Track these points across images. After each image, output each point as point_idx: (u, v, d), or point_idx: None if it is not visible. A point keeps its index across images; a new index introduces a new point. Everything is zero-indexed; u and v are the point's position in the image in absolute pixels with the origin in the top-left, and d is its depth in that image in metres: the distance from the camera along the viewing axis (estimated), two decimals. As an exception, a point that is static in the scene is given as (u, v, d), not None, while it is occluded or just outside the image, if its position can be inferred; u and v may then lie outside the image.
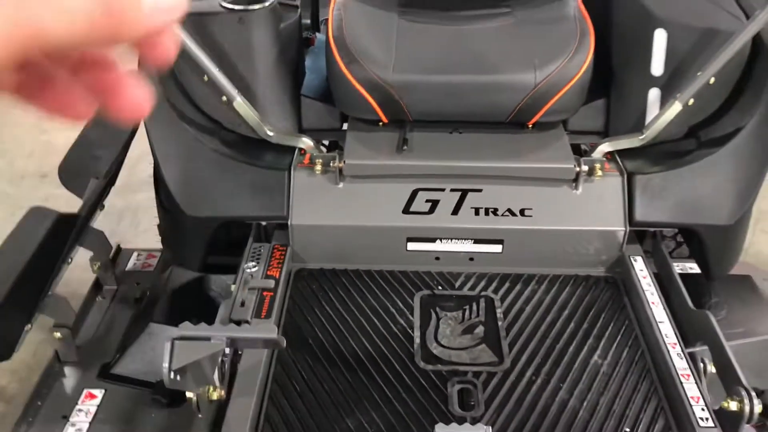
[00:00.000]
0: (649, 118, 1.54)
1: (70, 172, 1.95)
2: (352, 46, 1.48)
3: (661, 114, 1.49)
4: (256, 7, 1.55)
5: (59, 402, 1.54)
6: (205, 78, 1.49)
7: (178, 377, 1.04)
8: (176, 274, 1.73)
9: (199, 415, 1.26)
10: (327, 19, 1.62)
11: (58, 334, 1.57)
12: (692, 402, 1.18)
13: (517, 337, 1.36)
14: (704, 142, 1.52)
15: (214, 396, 1.17)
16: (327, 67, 1.55)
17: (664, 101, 1.52)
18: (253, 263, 1.44)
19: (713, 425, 1.14)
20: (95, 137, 1.92)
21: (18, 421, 1.48)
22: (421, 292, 1.46)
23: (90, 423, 1.50)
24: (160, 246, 1.85)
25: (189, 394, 1.26)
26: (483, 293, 1.46)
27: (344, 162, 1.46)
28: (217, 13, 1.54)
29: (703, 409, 1.17)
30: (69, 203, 1.59)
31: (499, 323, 1.38)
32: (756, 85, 1.49)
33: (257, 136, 1.53)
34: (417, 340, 1.35)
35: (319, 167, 1.49)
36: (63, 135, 2.15)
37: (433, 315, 1.41)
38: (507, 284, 1.48)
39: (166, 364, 1.01)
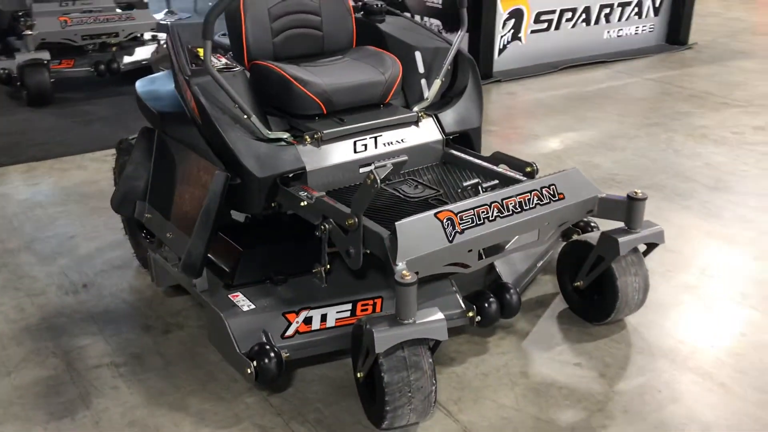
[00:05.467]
0: (425, 92, 3.19)
1: (121, 201, 2.82)
2: (300, 78, 2.81)
3: (432, 88, 3.15)
4: (238, 68, 2.79)
5: (221, 301, 2.49)
6: (235, 105, 2.66)
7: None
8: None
9: (323, 285, 2.49)
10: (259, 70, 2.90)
11: (198, 271, 2.51)
12: (519, 177, 2.82)
13: (436, 183, 2.84)
14: (452, 96, 3.23)
15: (350, 222, 2.37)
16: (284, 92, 2.81)
17: (428, 83, 3.19)
18: (302, 192, 2.64)
19: (526, 180, 2.80)
20: (132, 173, 2.83)
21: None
22: (384, 183, 2.84)
23: (248, 299, 2.51)
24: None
25: (315, 269, 2.47)
26: (408, 177, 2.91)
27: (322, 133, 2.77)
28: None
29: (522, 179, 2.82)
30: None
31: (427, 182, 2.86)
32: (462, 68, 3.26)
33: (260, 136, 2.72)
34: (401, 196, 2.74)
35: (308, 140, 2.77)
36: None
37: (399, 190, 2.79)
38: (414, 173, 2.95)
39: (380, 178, 2.22)
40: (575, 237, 2.94)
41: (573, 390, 2.47)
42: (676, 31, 7.62)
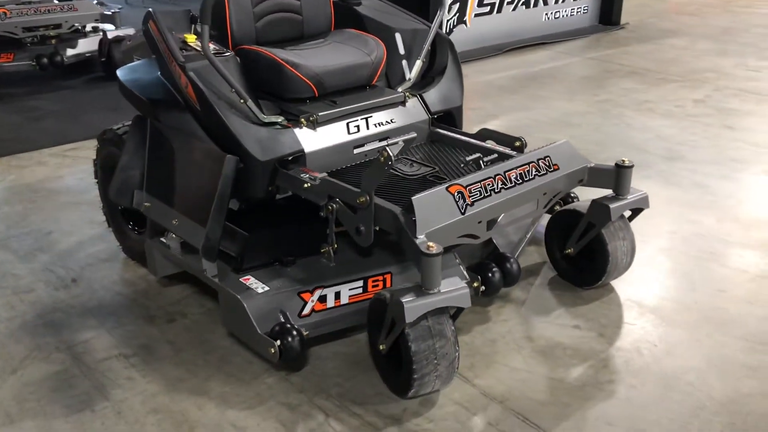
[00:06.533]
0: (407, 73, 3.26)
1: (118, 191, 2.78)
2: (291, 61, 2.83)
3: (414, 69, 3.22)
4: (230, 53, 2.79)
5: (234, 284, 2.50)
6: (231, 90, 2.66)
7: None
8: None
9: (331, 264, 2.52)
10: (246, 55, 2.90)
11: (206, 257, 2.51)
12: (510, 151, 2.92)
13: (428, 160, 2.92)
14: (434, 76, 3.31)
15: (361, 199, 2.42)
16: (275, 76, 2.83)
17: (409, 64, 3.26)
18: (304, 174, 2.67)
19: (517, 154, 2.90)
20: (127, 163, 2.79)
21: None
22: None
23: (260, 282, 2.52)
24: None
25: (323, 249, 2.51)
26: (401, 157, 2.96)
27: (318, 116, 2.80)
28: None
29: (512, 152, 2.92)
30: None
31: (420, 160, 2.93)
32: (440, 49, 3.34)
33: (255, 120, 2.73)
34: (400, 174, 2.80)
35: (304, 122, 2.79)
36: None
37: (396, 168, 2.85)
38: (405, 152, 3.01)
39: (393, 154, 2.28)
40: (557, 208, 3.07)
41: (576, 350, 2.60)
42: (609, 12, 7.93)
